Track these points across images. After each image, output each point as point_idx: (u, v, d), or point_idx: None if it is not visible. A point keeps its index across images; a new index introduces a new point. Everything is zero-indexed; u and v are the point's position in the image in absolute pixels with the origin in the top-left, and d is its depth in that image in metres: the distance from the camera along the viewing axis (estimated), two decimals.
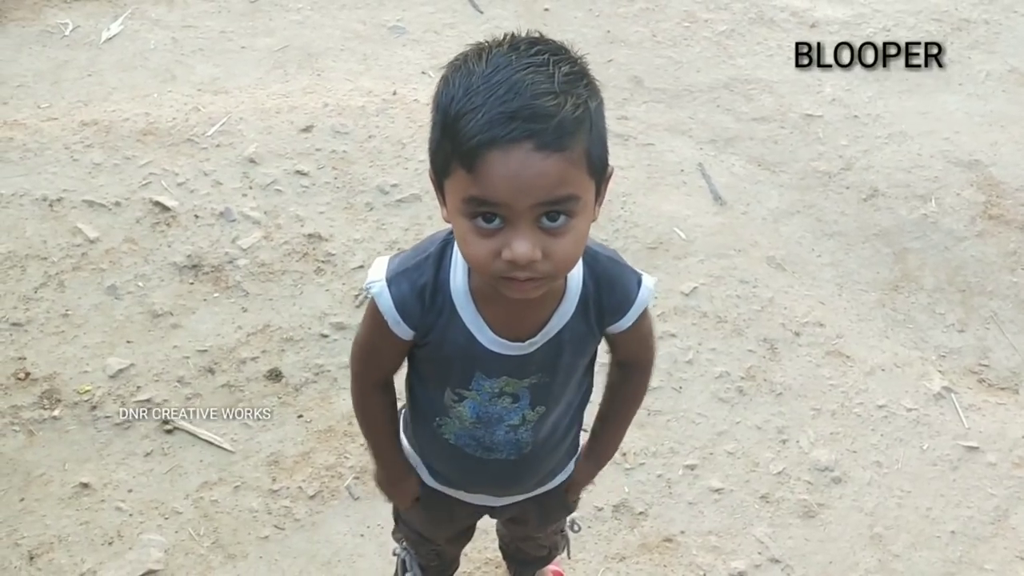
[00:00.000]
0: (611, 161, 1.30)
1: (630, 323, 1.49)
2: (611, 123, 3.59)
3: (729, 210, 3.23)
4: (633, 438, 2.53)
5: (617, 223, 3.07)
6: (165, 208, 2.91)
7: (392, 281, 1.40)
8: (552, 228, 1.20)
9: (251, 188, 3.00)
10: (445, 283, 1.39)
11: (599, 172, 1.26)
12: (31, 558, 2.21)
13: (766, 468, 2.54)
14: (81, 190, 2.93)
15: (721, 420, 2.62)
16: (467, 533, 1.89)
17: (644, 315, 1.51)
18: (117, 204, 2.90)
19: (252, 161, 3.08)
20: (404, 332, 1.42)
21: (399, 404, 1.63)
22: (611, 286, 1.45)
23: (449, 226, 1.43)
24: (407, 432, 1.67)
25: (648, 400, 2.62)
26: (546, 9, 4.05)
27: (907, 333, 2.96)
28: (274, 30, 3.71)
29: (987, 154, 3.55)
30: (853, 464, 2.57)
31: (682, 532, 2.39)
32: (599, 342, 1.51)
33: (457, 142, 1.18)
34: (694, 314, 2.86)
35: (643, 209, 3.12)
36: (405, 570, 1.92)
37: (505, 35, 1.24)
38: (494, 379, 1.45)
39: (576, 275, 1.42)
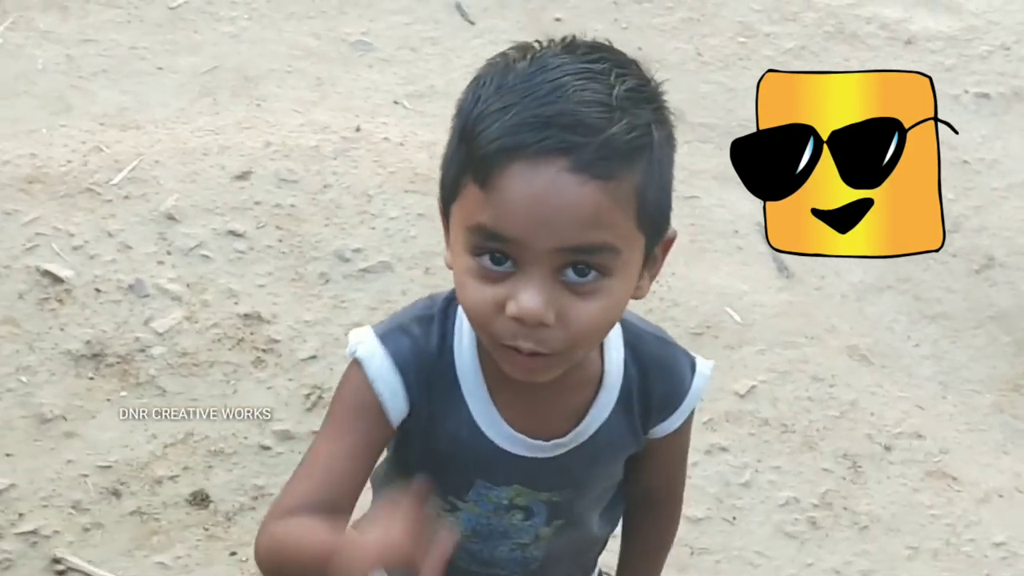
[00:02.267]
0: None
1: (679, 422, 1.51)
2: None
3: (798, 284, 3.31)
4: None
5: (651, 300, 3.08)
6: (57, 279, 2.95)
7: (387, 337, 1.37)
8: (577, 285, 1.20)
9: (169, 253, 3.05)
10: (449, 355, 1.38)
11: (654, 226, 1.26)
12: None
13: None
14: None
15: (788, 561, 2.67)
16: None
17: (691, 417, 1.54)
18: None
19: (171, 218, 3.13)
20: (398, 409, 1.37)
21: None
22: (660, 373, 1.47)
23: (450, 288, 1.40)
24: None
25: (692, 535, 2.67)
26: (557, 19, 4.13)
27: None
28: (200, 46, 3.78)
29: None
30: None
31: None
32: (641, 448, 1.52)
33: (474, 147, 1.19)
34: (752, 421, 2.92)
35: (685, 283, 3.19)
36: None
37: (564, 37, 1.28)
38: (501, 488, 1.44)
39: (616, 358, 1.43)
